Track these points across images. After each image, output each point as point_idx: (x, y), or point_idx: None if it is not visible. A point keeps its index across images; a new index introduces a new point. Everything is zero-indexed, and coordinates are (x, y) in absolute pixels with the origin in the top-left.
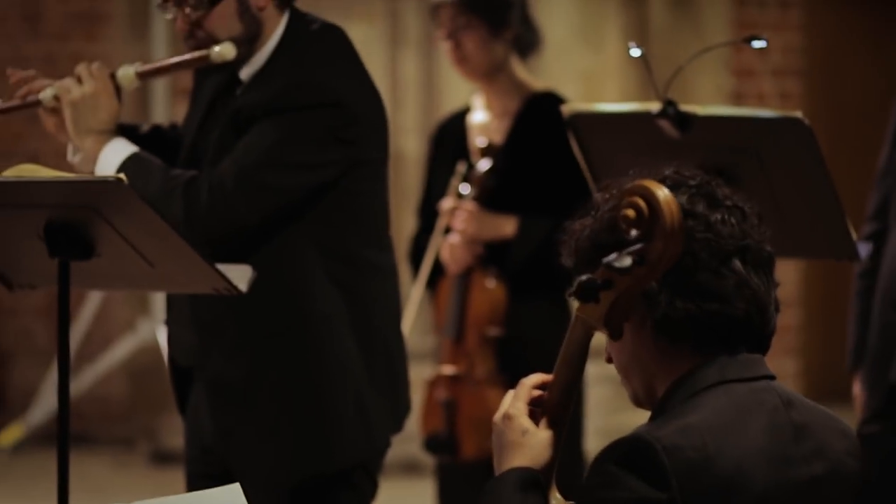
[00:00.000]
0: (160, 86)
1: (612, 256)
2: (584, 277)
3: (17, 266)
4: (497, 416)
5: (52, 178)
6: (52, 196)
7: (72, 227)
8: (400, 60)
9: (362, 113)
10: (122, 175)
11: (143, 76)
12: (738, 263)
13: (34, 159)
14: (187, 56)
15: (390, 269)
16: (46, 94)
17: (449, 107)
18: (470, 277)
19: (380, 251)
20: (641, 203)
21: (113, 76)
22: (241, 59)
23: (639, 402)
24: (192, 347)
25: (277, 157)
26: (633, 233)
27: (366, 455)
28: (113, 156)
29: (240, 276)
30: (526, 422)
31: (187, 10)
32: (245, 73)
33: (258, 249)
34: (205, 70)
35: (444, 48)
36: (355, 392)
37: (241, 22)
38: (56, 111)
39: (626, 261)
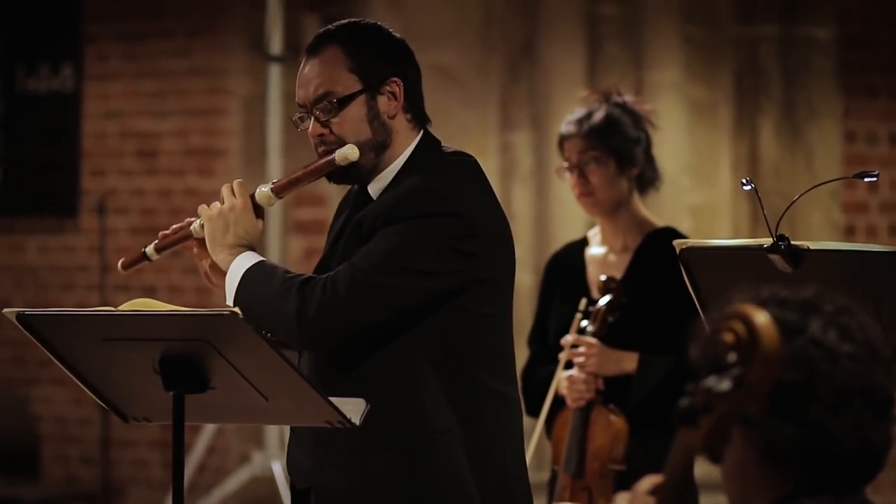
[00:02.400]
0: (274, 219)
1: (712, 380)
2: (684, 402)
3: (131, 399)
4: None
5: (167, 311)
6: (167, 330)
7: (187, 360)
8: (512, 194)
9: (484, 230)
10: (236, 309)
11: (279, 191)
12: (857, 403)
13: (150, 293)
14: (315, 164)
15: (512, 398)
16: (195, 226)
17: (560, 240)
18: (590, 412)
19: (502, 380)
20: (740, 327)
21: (253, 196)
22: (370, 168)
23: None
24: (309, 468)
25: (393, 261)
26: (732, 357)
27: None
28: (241, 264)
29: (353, 409)
30: None
31: (318, 113)
32: (374, 188)
33: (373, 359)
34: (342, 204)
35: (568, 180)
36: None
37: (370, 127)
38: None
39: (725, 385)
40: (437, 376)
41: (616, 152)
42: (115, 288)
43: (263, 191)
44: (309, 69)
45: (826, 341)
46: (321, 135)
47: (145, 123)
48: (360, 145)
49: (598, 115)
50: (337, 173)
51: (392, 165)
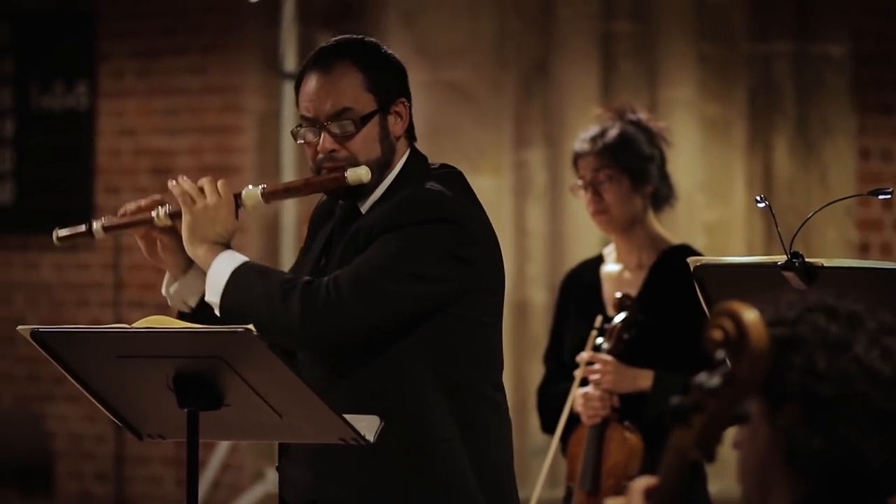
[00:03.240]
0: (287, 236)
1: (703, 376)
2: (675, 400)
3: (146, 416)
4: None
5: (182, 329)
6: (182, 347)
7: (201, 377)
8: (527, 211)
9: (480, 237)
10: (250, 326)
11: (270, 196)
12: (890, 426)
13: (165, 311)
14: (323, 177)
15: (502, 406)
16: (159, 212)
17: (575, 258)
18: (605, 429)
19: (494, 388)
20: (728, 324)
21: (238, 195)
22: (372, 189)
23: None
24: (309, 483)
25: (395, 266)
26: (721, 354)
27: None
28: (226, 264)
29: (368, 426)
30: None
31: (335, 129)
32: (365, 204)
33: (375, 368)
34: (320, 216)
35: (583, 198)
36: None
37: (380, 147)
38: (165, 231)
39: (715, 381)
40: (438, 384)
41: (630, 170)
42: (130, 305)
43: (252, 192)
44: (322, 83)
45: (867, 361)
46: (333, 150)
47: (159, 141)
48: (369, 165)
49: (612, 133)
50: (341, 191)
51: (388, 178)
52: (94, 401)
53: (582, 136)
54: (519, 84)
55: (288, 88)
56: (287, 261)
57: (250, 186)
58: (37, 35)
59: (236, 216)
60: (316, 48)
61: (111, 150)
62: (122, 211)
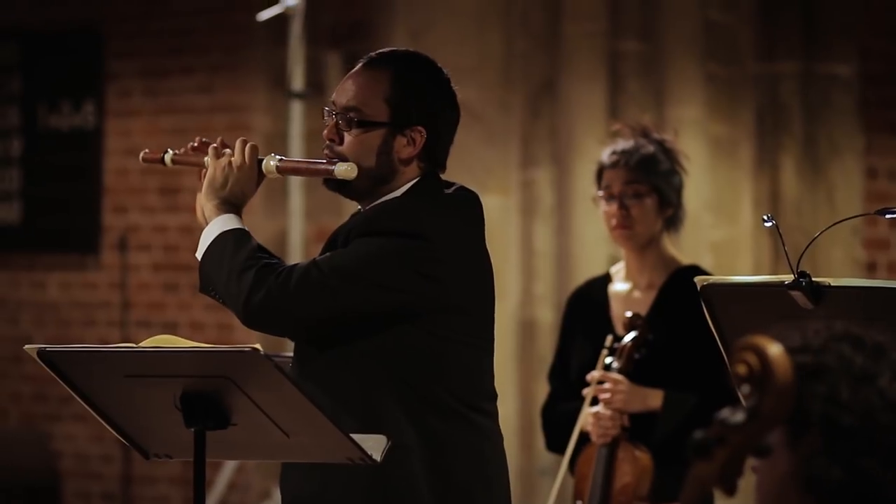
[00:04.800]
0: (294, 254)
1: (726, 412)
2: (697, 434)
3: (153, 436)
4: None
5: (189, 348)
6: (189, 366)
7: (208, 397)
8: (533, 230)
9: (451, 256)
10: (257, 345)
11: (282, 171)
12: None
13: (171, 330)
14: (317, 164)
15: (485, 428)
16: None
17: (581, 277)
18: (616, 448)
19: (471, 409)
20: (753, 359)
21: (260, 161)
22: (361, 192)
23: None
24: (283, 477)
25: (349, 268)
26: (745, 388)
27: None
28: (220, 224)
29: (374, 445)
30: None
31: (341, 121)
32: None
33: (335, 370)
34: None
35: (604, 209)
36: None
37: (376, 159)
38: None
39: (739, 416)
40: (398, 394)
41: (659, 189)
42: (137, 324)
43: (271, 164)
44: (355, 78)
45: (891, 394)
46: (332, 140)
47: None
48: (359, 169)
49: (647, 150)
50: (331, 182)
51: (388, 196)
52: (100, 420)
53: (612, 148)
54: (526, 103)
55: (295, 108)
56: None
57: (271, 156)
58: (44, 54)
59: (257, 184)
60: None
61: (118, 169)
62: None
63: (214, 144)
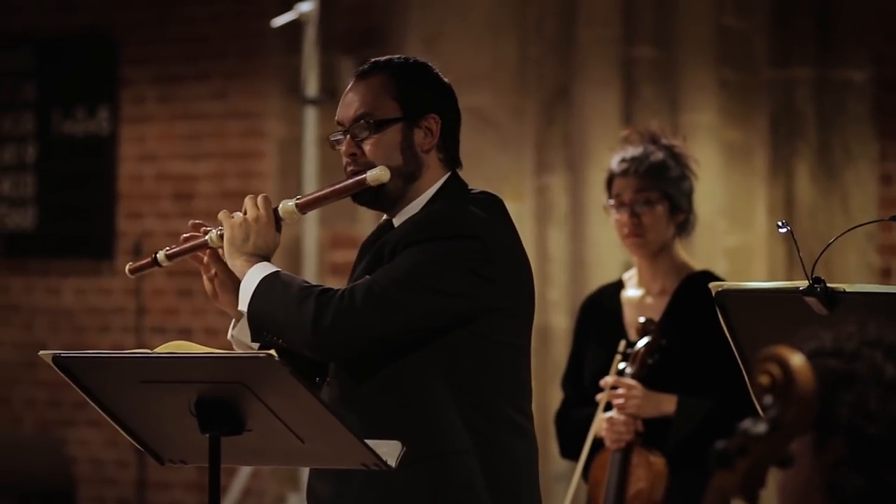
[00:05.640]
0: (310, 261)
1: (748, 423)
2: (719, 444)
3: (168, 441)
4: None
5: (203, 354)
6: (204, 372)
7: (222, 402)
8: (548, 236)
9: (504, 258)
10: (272, 351)
11: (304, 207)
12: None
13: (186, 336)
14: (345, 182)
15: (528, 432)
16: (212, 235)
17: (596, 283)
18: (630, 454)
19: (519, 412)
20: (775, 369)
21: (276, 210)
22: (397, 195)
23: None
24: (329, 494)
25: (410, 278)
26: (768, 399)
27: None
28: (258, 272)
29: (389, 451)
30: None
31: (354, 133)
32: (399, 221)
33: (392, 379)
34: (367, 242)
35: (615, 217)
36: None
37: (401, 155)
38: (219, 263)
39: (761, 427)
40: (454, 398)
41: (669, 196)
42: (152, 330)
43: (288, 205)
44: (353, 91)
45: None
46: (353, 154)
47: (181, 166)
48: (390, 170)
49: (657, 157)
50: (365, 195)
51: (418, 199)
52: (115, 426)
53: (621, 156)
54: (540, 109)
55: (310, 114)
56: None
57: (286, 200)
58: (59, 60)
59: (278, 230)
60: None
61: (133, 175)
62: (181, 239)
63: (224, 211)
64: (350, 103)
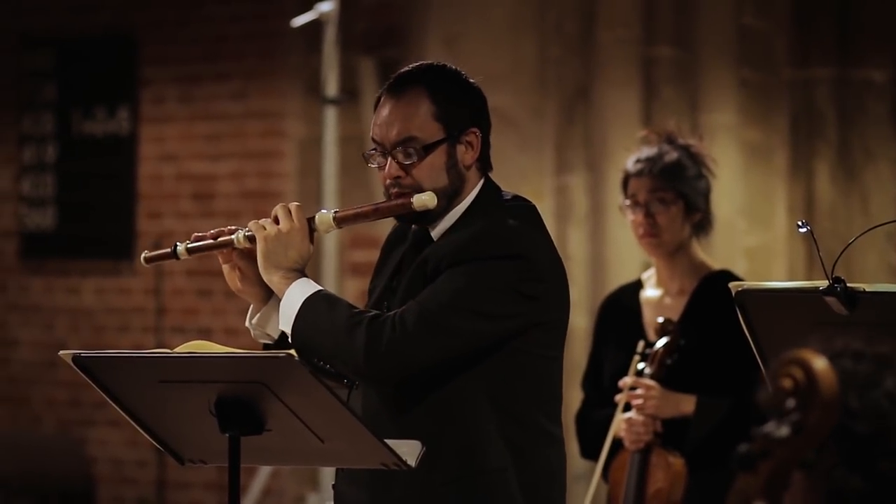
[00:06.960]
0: (330, 261)
1: (771, 426)
2: (742, 448)
3: (187, 441)
4: None
5: (223, 354)
6: (223, 372)
7: (242, 402)
8: (568, 236)
9: (547, 273)
10: (291, 351)
11: (341, 221)
12: None
13: (206, 336)
14: (390, 202)
15: (558, 438)
16: (239, 235)
17: (616, 282)
18: (649, 454)
19: (551, 421)
20: (798, 373)
21: (311, 219)
22: (438, 214)
23: None
24: (365, 502)
25: (459, 303)
26: (791, 402)
27: None
28: (299, 292)
29: (409, 451)
30: None
31: (400, 156)
32: (436, 231)
33: (434, 397)
34: (394, 240)
35: (631, 217)
36: None
37: (447, 175)
38: (244, 258)
39: (784, 430)
40: (496, 416)
41: (685, 196)
42: (171, 330)
43: (325, 215)
44: (392, 109)
45: None
46: (398, 177)
47: (201, 166)
48: (436, 192)
49: (671, 157)
50: (408, 216)
51: (455, 209)
52: (135, 426)
53: (636, 157)
54: (560, 109)
55: (329, 114)
56: (327, 286)
57: (323, 210)
58: (79, 61)
59: (311, 240)
60: (395, 72)
61: (153, 175)
62: (196, 235)
63: (256, 221)
64: (389, 123)
